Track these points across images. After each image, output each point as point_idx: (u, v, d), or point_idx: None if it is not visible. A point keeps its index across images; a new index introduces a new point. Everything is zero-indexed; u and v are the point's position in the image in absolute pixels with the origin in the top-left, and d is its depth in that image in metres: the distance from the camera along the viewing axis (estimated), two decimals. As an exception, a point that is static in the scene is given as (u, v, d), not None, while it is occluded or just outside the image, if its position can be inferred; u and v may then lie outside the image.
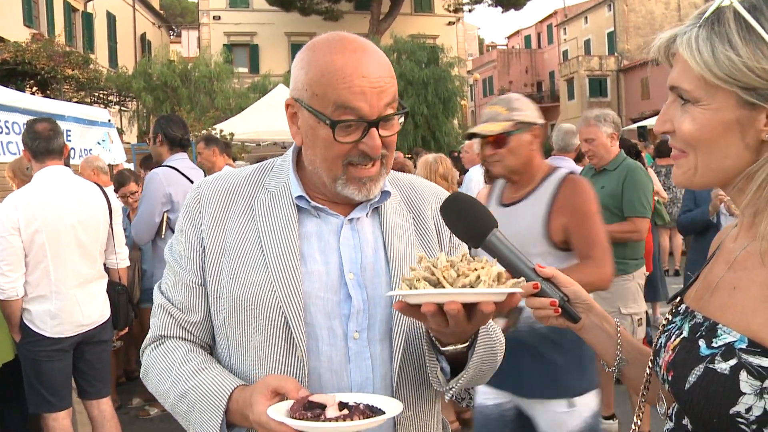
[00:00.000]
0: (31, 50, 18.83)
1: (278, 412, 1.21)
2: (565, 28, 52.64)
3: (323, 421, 1.18)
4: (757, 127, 1.07)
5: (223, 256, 1.45)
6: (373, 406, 1.24)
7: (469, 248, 1.50)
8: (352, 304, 1.43)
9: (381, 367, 1.44)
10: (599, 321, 1.39)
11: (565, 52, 51.49)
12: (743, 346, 1.04)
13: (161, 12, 44.15)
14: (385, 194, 1.52)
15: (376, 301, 1.45)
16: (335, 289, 1.44)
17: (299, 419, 1.18)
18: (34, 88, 18.93)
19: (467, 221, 1.37)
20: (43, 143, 3.90)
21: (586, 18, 49.27)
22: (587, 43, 49.20)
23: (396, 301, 1.24)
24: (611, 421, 4.79)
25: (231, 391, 1.34)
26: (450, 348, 1.35)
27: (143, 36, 38.21)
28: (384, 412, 1.23)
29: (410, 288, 1.20)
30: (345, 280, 1.44)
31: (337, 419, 1.18)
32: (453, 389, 1.40)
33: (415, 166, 11.41)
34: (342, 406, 1.22)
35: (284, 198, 1.48)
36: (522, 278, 1.30)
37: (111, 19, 33.21)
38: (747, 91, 1.05)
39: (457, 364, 1.40)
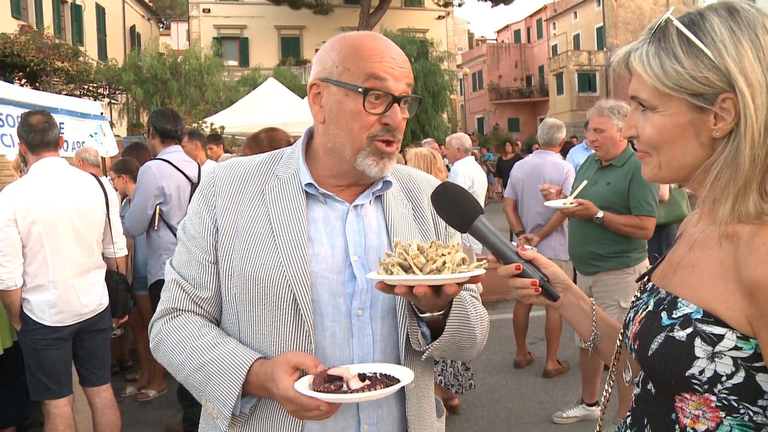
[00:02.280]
0: (20, 42, 18.78)
1: (303, 386, 1.33)
2: (554, 23, 52.85)
3: (349, 392, 1.31)
4: (708, 127, 1.21)
5: (236, 236, 1.56)
6: (388, 374, 1.39)
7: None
8: (356, 283, 1.55)
9: (381, 342, 1.57)
10: (576, 299, 1.54)
11: (555, 47, 51.72)
12: (699, 316, 1.19)
13: (150, 4, 43.93)
14: (387, 183, 1.65)
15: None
16: (340, 269, 1.56)
17: (324, 392, 1.31)
18: (23, 81, 18.86)
19: (456, 209, 1.50)
20: (38, 136, 3.96)
21: (576, 13, 49.49)
22: (576, 38, 49.45)
23: (375, 282, 1.42)
24: (594, 408, 4.95)
25: (251, 364, 1.45)
26: (427, 315, 1.52)
27: (132, 28, 38.06)
28: (399, 380, 1.37)
29: (386, 272, 1.38)
30: (350, 261, 1.56)
31: (362, 390, 1.31)
32: (431, 350, 1.56)
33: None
34: (361, 377, 1.34)
35: (294, 184, 1.59)
36: (483, 261, 1.46)
37: (100, 11, 33.06)
38: (695, 97, 1.20)
39: (437, 331, 1.58)
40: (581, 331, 1.54)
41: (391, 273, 1.37)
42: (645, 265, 4.49)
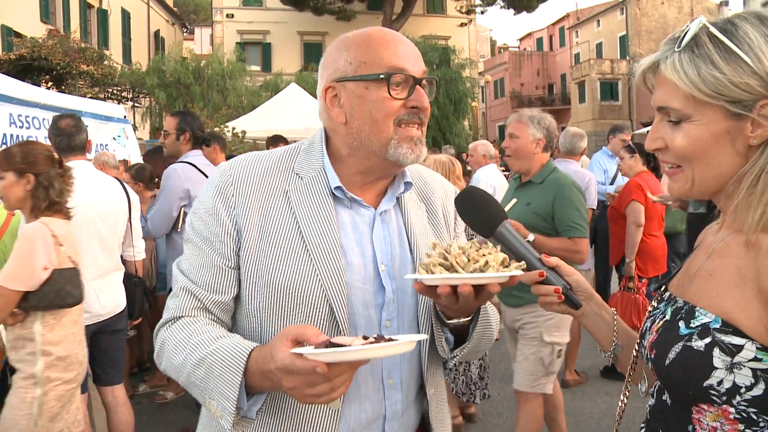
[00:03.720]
0: (48, 46, 19.09)
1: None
2: (577, 31, 52.60)
3: (349, 347, 1.18)
4: (745, 134, 1.20)
5: (261, 241, 1.47)
6: (391, 337, 1.26)
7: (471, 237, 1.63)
8: (385, 294, 1.52)
9: (407, 352, 1.52)
10: (598, 309, 1.52)
11: (577, 55, 51.46)
12: (717, 326, 1.17)
13: (175, 9, 44.46)
14: (408, 185, 1.62)
15: (404, 290, 1.55)
16: (371, 280, 1.52)
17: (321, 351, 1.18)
18: (50, 84, 19.15)
19: (481, 213, 1.50)
20: (65, 139, 4.05)
21: (599, 21, 49.24)
22: (599, 46, 49.17)
23: (415, 282, 1.38)
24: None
25: (249, 350, 1.34)
26: (454, 321, 1.52)
27: (157, 33, 38.52)
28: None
29: (427, 272, 1.35)
30: (378, 271, 1.53)
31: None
32: (457, 357, 1.57)
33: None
34: (366, 339, 1.23)
35: (320, 186, 1.53)
36: (523, 262, 1.45)
37: (125, 16, 33.51)
38: (733, 104, 1.18)
39: (459, 336, 1.58)
40: (602, 340, 1.52)
41: (432, 273, 1.34)
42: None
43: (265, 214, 1.49)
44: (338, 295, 1.45)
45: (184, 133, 5.00)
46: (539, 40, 60.14)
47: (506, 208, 1.55)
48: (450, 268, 1.34)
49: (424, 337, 1.38)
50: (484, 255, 1.35)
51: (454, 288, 1.33)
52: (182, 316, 1.48)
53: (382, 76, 1.47)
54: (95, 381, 4.25)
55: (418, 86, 1.50)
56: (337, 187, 1.53)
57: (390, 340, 1.23)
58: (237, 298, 1.51)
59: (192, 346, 1.41)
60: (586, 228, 3.88)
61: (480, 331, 1.57)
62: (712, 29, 1.20)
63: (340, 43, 1.56)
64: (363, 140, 1.51)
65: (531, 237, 4.00)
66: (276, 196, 1.51)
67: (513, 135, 4.00)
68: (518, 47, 64.03)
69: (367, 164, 1.54)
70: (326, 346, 1.18)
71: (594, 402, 5.36)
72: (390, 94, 1.47)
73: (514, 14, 37.24)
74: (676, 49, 1.22)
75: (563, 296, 1.45)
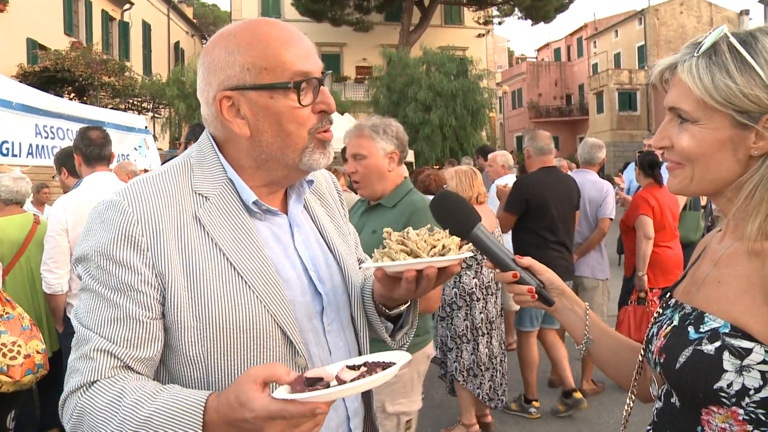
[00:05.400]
0: (71, 58, 19.41)
1: (285, 394, 1.09)
2: (595, 41, 52.47)
3: (348, 382, 1.11)
4: (747, 145, 1.23)
5: (188, 280, 1.30)
6: (381, 361, 1.19)
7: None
8: (322, 299, 1.48)
9: (353, 351, 1.56)
10: (570, 304, 1.59)
11: (595, 66, 51.31)
12: (726, 330, 1.20)
13: (194, 21, 44.98)
14: (310, 182, 1.57)
15: (335, 291, 1.53)
16: (307, 289, 1.46)
17: (318, 391, 1.08)
18: (72, 95, 19.46)
19: (455, 217, 1.52)
20: (97, 150, 4.18)
21: (617, 31, 49.09)
22: (617, 56, 49.00)
23: (377, 270, 1.38)
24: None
25: (204, 400, 1.16)
26: (396, 310, 1.58)
27: (177, 44, 39.01)
28: (393, 362, 1.18)
29: (390, 259, 1.35)
30: (310, 278, 1.47)
31: (361, 377, 1.12)
32: (403, 341, 1.64)
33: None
34: (350, 368, 1.16)
35: (231, 204, 1.39)
36: (468, 244, 1.47)
37: (146, 28, 33.98)
38: (741, 114, 1.22)
39: (391, 322, 1.66)
40: (574, 334, 1.59)
41: (394, 260, 1.35)
42: (426, 353, 3.30)
43: (183, 249, 1.31)
44: (286, 316, 1.36)
45: (191, 142, 5.08)
46: (557, 51, 60.05)
47: None
48: (411, 254, 1.36)
49: (408, 358, 1.20)
50: (439, 240, 1.39)
51: (419, 273, 1.34)
52: (99, 380, 1.24)
53: (290, 85, 1.34)
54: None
55: (322, 87, 1.39)
56: (254, 202, 1.41)
57: (375, 363, 1.17)
58: (169, 348, 1.33)
59: (127, 409, 1.17)
60: None
61: (415, 313, 1.64)
62: (732, 39, 1.23)
63: (227, 41, 1.37)
64: (273, 153, 1.39)
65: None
66: (188, 225, 1.33)
67: (358, 155, 3.06)
68: (536, 57, 63.97)
69: (276, 175, 1.44)
70: (304, 382, 1.10)
71: (611, 412, 5.35)
72: (299, 103, 1.35)
73: (532, 25, 37.24)
74: (695, 54, 1.26)
75: (536, 294, 1.53)
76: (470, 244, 1.47)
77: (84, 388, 1.25)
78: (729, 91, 1.21)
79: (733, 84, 1.20)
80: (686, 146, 1.28)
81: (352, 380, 1.11)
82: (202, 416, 1.14)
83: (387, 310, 1.59)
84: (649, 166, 5.82)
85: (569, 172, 6.49)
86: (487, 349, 4.92)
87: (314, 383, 1.10)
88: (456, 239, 1.40)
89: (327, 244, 1.57)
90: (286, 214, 1.51)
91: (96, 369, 1.24)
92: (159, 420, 1.14)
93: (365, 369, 1.14)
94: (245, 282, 1.32)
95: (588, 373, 5.90)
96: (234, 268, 1.32)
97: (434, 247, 1.37)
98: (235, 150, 1.42)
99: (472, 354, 4.89)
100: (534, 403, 5.47)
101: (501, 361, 5.03)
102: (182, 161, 1.44)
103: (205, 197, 1.37)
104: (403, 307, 1.59)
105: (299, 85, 1.34)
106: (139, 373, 1.28)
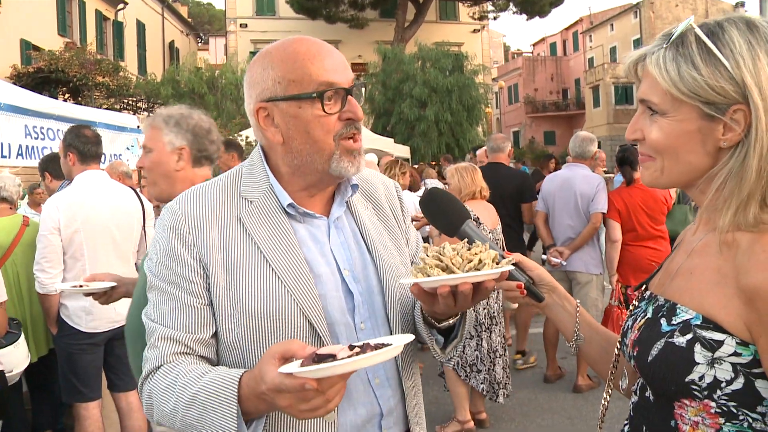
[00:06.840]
0: (65, 58, 19.33)
1: (288, 369, 1.18)
2: (590, 35, 52.47)
3: (337, 360, 1.16)
4: (716, 137, 1.22)
5: (228, 273, 1.47)
6: (382, 343, 1.24)
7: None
8: (354, 298, 1.55)
9: None
10: (561, 300, 1.59)
11: (591, 60, 51.34)
12: (698, 322, 1.20)
13: (189, 20, 44.90)
14: (355, 187, 1.64)
15: (370, 291, 1.59)
16: (340, 286, 1.55)
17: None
18: (66, 95, 19.40)
19: (445, 214, 1.55)
20: (93, 147, 4.17)
21: (612, 25, 49.10)
22: (613, 50, 49.02)
23: (412, 286, 1.39)
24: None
25: (239, 377, 1.32)
26: (445, 323, 1.57)
27: (171, 44, 38.90)
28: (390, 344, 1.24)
29: (425, 275, 1.37)
30: (343, 277, 1.56)
31: (350, 357, 1.17)
32: (452, 355, 1.63)
33: (441, 175, 11.53)
34: (352, 348, 1.21)
35: (271, 207, 1.54)
36: (512, 257, 1.48)
37: (140, 28, 33.86)
38: (708, 105, 1.21)
39: (442, 335, 1.64)
40: (565, 331, 1.59)
41: (429, 276, 1.36)
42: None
43: (224, 246, 1.49)
44: (314, 309, 1.46)
45: None
46: (553, 45, 60.07)
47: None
48: (446, 269, 1.37)
49: (410, 338, 1.31)
50: (476, 254, 1.38)
51: (453, 288, 1.35)
52: (163, 364, 1.45)
53: (314, 95, 1.47)
54: (109, 387, 4.34)
55: (349, 96, 1.51)
56: (290, 205, 1.54)
57: (376, 346, 1.22)
58: (215, 333, 1.50)
59: (180, 389, 1.37)
60: None
61: (467, 325, 1.64)
62: (698, 30, 1.22)
63: (264, 59, 1.54)
64: (305, 159, 1.52)
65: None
66: (231, 225, 1.51)
67: (146, 147, 2.61)
68: (532, 52, 64.02)
69: (311, 180, 1.56)
70: (313, 358, 1.17)
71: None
72: (324, 111, 1.47)
73: (527, 19, 37.20)
74: (664, 45, 1.26)
75: (526, 290, 1.52)
76: (511, 257, 1.47)
77: (152, 374, 1.45)
78: (695, 82, 1.20)
79: (698, 75, 1.20)
80: (655, 139, 1.28)
81: (342, 358, 1.15)
82: (236, 391, 1.30)
83: (437, 323, 1.59)
84: (619, 162, 5.86)
85: (564, 167, 6.48)
86: (487, 344, 4.95)
87: (323, 359, 1.16)
88: (492, 253, 1.39)
89: (367, 246, 1.63)
90: (328, 216, 1.61)
91: (160, 355, 1.45)
92: (203, 396, 1.32)
93: (359, 350, 1.19)
94: (277, 276, 1.46)
95: (583, 368, 5.90)
96: (269, 263, 1.47)
97: (470, 261, 1.36)
98: (275, 157, 1.58)
99: (475, 350, 4.93)
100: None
101: (501, 354, 5.07)
102: (236, 170, 1.62)
103: (249, 201, 1.54)
104: (452, 321, 1.59)
105: (322, 94, 1.46)
106: (201, 355, 1.47)
